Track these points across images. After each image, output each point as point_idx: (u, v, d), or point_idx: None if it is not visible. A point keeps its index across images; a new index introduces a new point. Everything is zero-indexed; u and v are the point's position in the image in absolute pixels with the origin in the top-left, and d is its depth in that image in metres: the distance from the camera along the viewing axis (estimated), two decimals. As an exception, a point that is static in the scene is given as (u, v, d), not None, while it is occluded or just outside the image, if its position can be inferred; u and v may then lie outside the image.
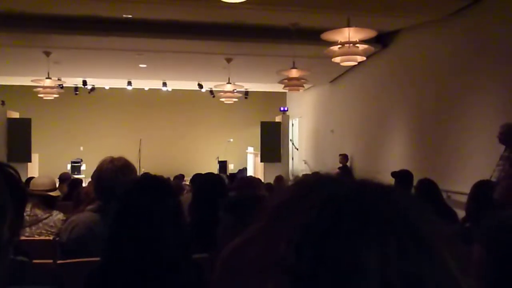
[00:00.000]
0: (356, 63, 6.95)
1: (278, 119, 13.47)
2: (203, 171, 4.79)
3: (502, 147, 4.89)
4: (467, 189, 3.36)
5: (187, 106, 16.69)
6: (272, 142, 12.75)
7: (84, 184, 6.44)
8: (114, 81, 13.58)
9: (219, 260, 1.48)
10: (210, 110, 16.37)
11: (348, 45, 5.92)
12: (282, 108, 13.78)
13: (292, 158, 14.54)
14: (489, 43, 6.23)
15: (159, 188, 1.73)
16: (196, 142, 16.79)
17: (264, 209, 0.50)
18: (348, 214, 0.44)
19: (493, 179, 4.46)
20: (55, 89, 10.07)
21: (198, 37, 8.41)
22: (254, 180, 4.13)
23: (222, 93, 10.99)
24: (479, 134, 6.19)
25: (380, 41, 8.62)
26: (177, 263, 1.62)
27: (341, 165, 10.61)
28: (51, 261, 2.52)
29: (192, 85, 14.07)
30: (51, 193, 3.54)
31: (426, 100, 7.77)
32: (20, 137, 11.76)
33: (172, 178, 7.87)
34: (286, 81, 8.58)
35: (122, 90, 14.61)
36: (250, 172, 13.73)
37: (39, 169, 12.67)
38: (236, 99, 11.41)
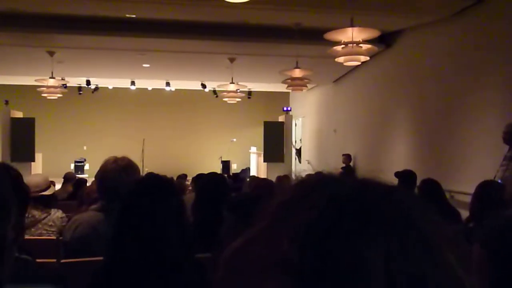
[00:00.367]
0: (359, 63, 6.93)
1: (281, 119, 13.45)
2: (206, 170, 4.79)
3: (506, 147, 4.86)
4: (470, 189, 3.35)
5: (190, 106, 16.72)
6: (275, 142, 12.74)
7: (88, 184, 6.46)
8: (118, 80, 13.61)
9: (221, 260, 1.48)
10: (213, 110, 16.39)
11: (351, 45, 5.90)
12: (285, 108, 13.76)
13: (295, 158, 14.52)
14: (493, 42, 6.21)
15: (162, 188, 1.74)
16: (199, 142, 16.81)
17: (266, 208, 0.50)
18: (349, 213, 0.44)
19: (497, 179, 4.45)
20: (58, 89, 10.09)
21: (201, 37, 8.43)
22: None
23: (225, 93, 11.01)
24: (483, 134, 6.16)
25: (384, 41, 8.60)
26: (180, 263, 1.63)
27: (344, 165, 10.61)
28: (54, 260, 2.52)
29: (195, 85, 14.10)
30: (46, 192, 3.47)
31: (430, 100, 7.74)
32: (23, 136, 11.77)
33: (175, 178, 7.88)
34: (289, 81, 8.57)
35: (126, 89, 14.65)
36: (253, 172, 13.72)
37: (42, 168, 12.69)
38: (239, 99, 11.43)
